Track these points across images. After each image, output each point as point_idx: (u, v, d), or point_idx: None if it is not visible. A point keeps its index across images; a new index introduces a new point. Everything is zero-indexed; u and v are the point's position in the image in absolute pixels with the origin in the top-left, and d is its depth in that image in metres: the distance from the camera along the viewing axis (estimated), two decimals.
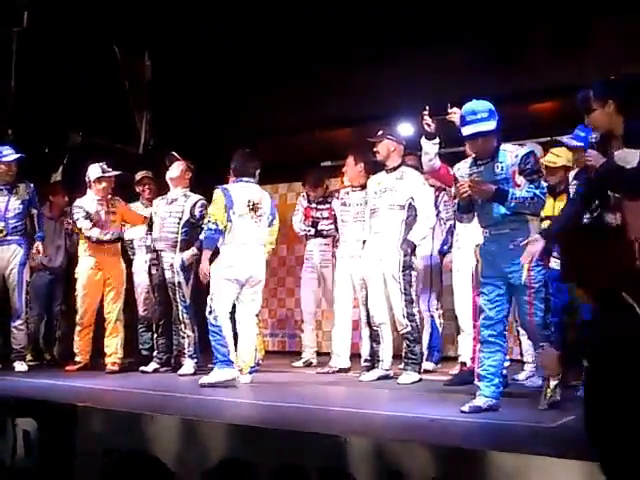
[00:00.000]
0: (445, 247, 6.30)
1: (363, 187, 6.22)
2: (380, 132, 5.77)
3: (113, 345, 6.47)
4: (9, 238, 6.41)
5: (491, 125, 4.11)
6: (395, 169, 5.74)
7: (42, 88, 7.19)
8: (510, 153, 4.17)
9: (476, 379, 4.24)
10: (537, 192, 4.02)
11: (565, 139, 4.80)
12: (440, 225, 6.23)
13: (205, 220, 5.78)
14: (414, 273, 5.69)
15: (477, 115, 4.11)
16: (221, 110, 8.18)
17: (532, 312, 4.11)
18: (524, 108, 6.73)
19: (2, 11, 6.93)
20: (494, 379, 4.11)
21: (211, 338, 5.44)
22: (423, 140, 5.23)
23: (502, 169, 4.15)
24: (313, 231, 6.88)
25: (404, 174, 5.71)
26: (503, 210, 4.10)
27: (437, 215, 6.08)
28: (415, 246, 5.66)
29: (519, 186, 4.09)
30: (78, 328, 6.53)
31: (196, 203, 6.29)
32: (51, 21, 7.11)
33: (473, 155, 4.34)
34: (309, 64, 7.48)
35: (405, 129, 6.76)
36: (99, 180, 6.50)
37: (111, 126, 7.70)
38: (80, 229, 6.47)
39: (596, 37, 6.11)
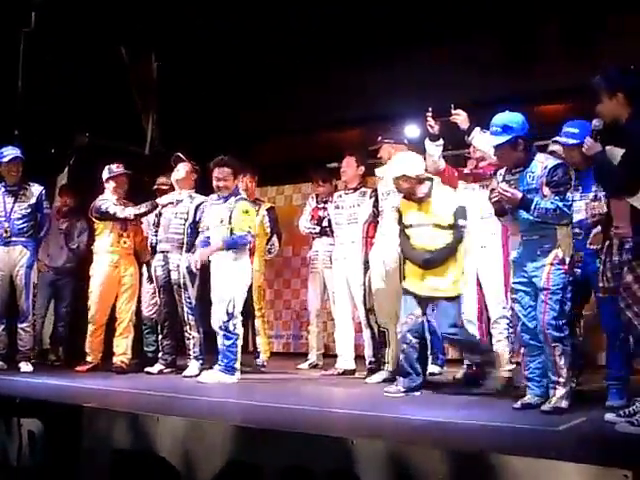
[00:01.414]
0: None
1: (356, 189, 6.22)
2: (379, 137, 5.77)
3: (123, 345, 6.47)
4: (14, 239, 6.41)
5: (499, 139, 4.26)
6: None
7: (49, 89, 7.19)
8: (540, 164, 4.25)
9: (524, 380, 4.40)
10: (560, 204, 4.10)
11: (562, 139, 4.72)
12: None
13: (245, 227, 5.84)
14: None
15: (492, 128, 4.32)
16: (227, 111, 8.19)
17: (545, 311, 4.16)
18: (535, 109, 6.71)
19: (10, 12, 6.94)
20: (542, 380, 4.25)
21: (226, 342, 5.61)
22: (427, 142, 5.23)
23: (533, 179, 4.24)
24: (318, 229, 6.86)
25: None
26: (531, 217, 4.19)
27: None
28: None
29: (546, 197, 4.16)
30: (92, 327, 6.50)
31: (199, 205, 6.31)
32: (58, 22, 7.13)
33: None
34: (317, 65, 7.48)
35: (412, 130, 6.76)
36: (107, 181, 6.55)
37: (117, 127, 7.71)
38: (114, 214, 6.40)
39: (609, 37, 6.08)
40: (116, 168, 6.55)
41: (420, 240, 4.99)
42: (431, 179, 5.09)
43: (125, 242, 6.53)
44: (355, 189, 6.24)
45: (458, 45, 6.83)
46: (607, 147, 3.67)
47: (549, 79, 6.51)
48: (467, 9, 6.60)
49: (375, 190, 5.97)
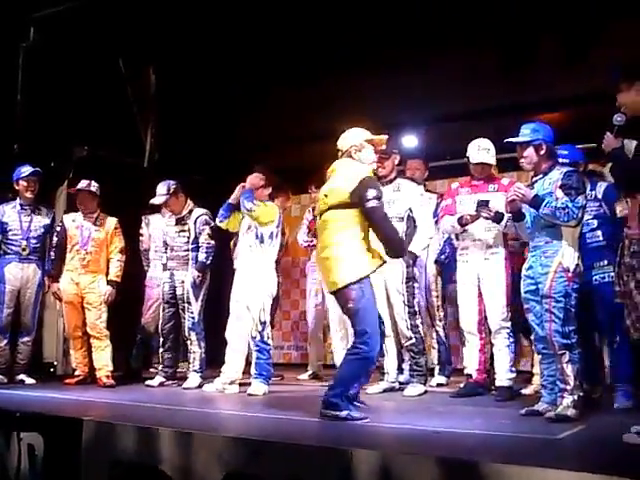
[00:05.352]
0: (442, 257, 6.23)
1: None
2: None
3: (101, 360, 6.41)
4: (31, 257, 6.50)
5: (525, 138, 4.41)
6: (391, 181, 5.71)
7: (48, 102, 7.21)
8: (558, 171, 4.38)
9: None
10: (570, 204, 4.18)
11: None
12: (437, 234, 6.05)
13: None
14: (416, 285, 5.67)
15: (521, 132, 4.47)
16: (225, 123, 8.20)
17: (550, 319, 4.21)
18: (535, 118, 6.72)
19: (9, 26, 6.98)
20: (554, 387, 4.28)
21: (260, 356, 5.62)
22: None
23: (549, 184, 4.36)
24: (315, 241, 6.85)
25: (401, 186, 5.69)
26: (541, 223, 4.30)
27: (436, 223, 5.96)
28: (417, 257, 5.65)
29: (558, 198, 4.24)
30: (70, 342, 6.63)
31: (197, 219, 6.36)
32: (57, 36, 7.15)
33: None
34: (314, 75, 7.48)
35: (410, 140, 6.78)
36: (75, 195, 6.59)
37: (116, 140, 7.73)
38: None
39: (608, 46, 6.08)
40: (85, 186, 6.51)
41: None
42: None
43: (84, 259, 6.47)
44: None
45: (457, 55, 6.84)
46: (625, 141, 3.65)
47: (548, 88, 6.52)
48: (466, 19, 6.61)
49: None
